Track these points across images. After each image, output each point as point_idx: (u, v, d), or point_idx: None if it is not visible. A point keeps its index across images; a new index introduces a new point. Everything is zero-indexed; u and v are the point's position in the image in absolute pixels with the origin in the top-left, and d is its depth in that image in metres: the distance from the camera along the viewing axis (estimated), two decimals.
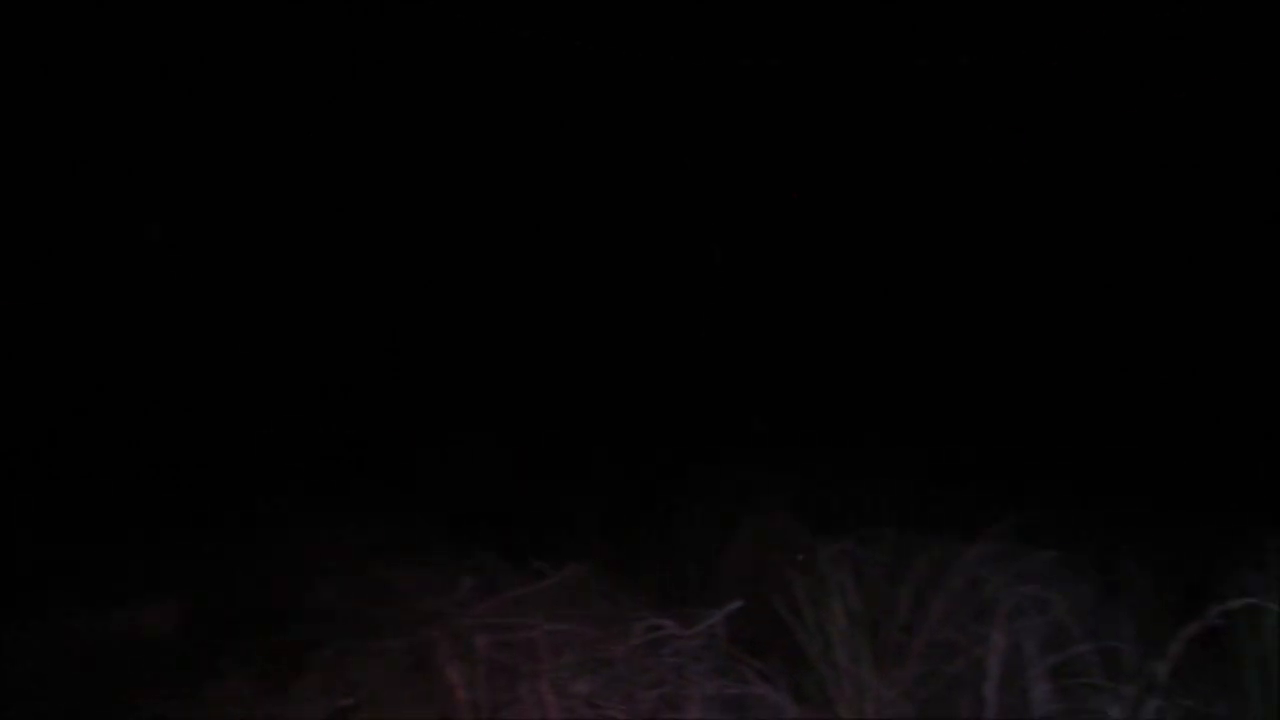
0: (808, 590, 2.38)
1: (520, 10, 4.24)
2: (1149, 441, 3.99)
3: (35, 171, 3.90)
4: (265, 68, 4.21)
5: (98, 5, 3.96)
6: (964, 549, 2.81)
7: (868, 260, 4.56)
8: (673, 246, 4.64)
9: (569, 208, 4.64)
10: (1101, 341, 4.29)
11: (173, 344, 4.22)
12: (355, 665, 2.05)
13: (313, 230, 4.41)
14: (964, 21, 4.15)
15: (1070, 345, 4.31)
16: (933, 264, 4.50)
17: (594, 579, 2.71)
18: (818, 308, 4.50)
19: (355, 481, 3.83)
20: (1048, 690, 2.11)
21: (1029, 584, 2.95)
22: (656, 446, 4.10)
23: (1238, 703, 2.20)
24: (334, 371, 4.45)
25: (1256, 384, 3.96)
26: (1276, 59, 3.82)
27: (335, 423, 4.20)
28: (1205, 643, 2.35)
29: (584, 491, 3.68)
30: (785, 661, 2.46)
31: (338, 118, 4.38)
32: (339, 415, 4.26)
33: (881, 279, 4.52)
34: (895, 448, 3.59)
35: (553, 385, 4.44)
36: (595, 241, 4.64)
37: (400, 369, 4.46)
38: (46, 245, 4.04)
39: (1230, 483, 3.56)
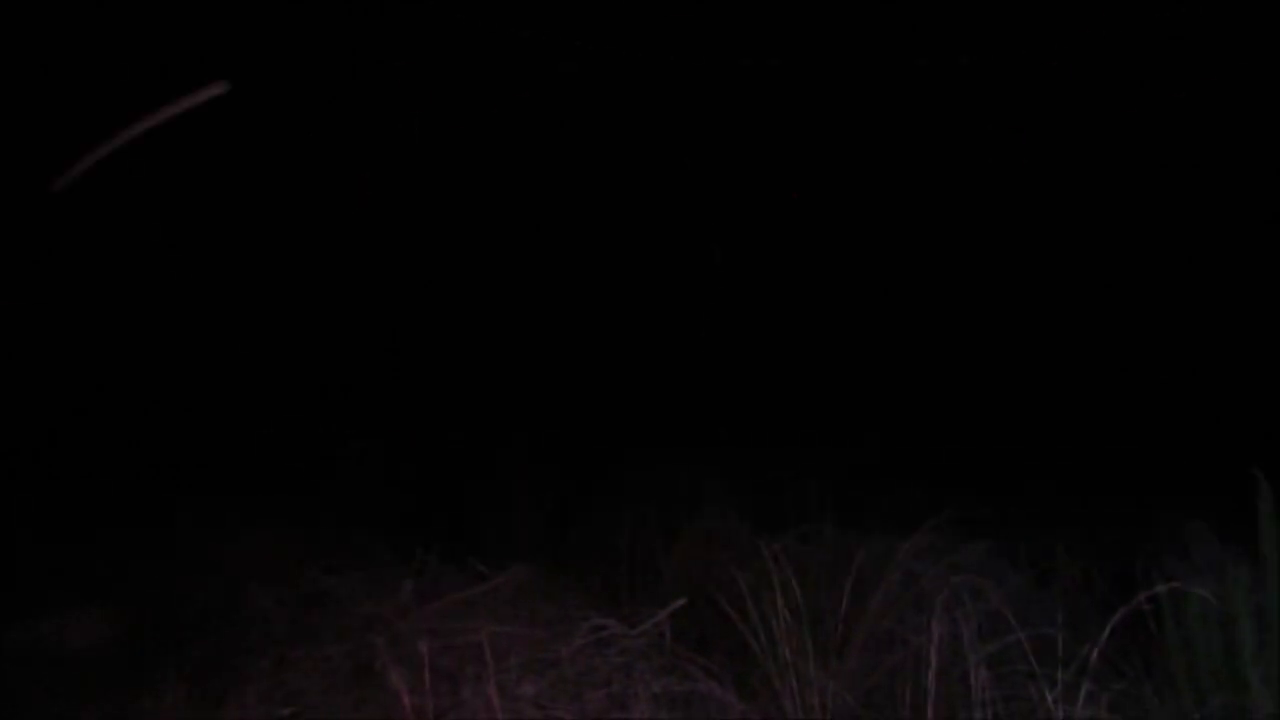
0: (750, 587, 2.39)
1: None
2: (1076, 435, 4.10)
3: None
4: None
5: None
6: (901, 544, 2.86)
7: (807, 262, 4.61)
8: (619, 249, 4.63)
9: (516, 207, 4.60)
10: (1028, 339, 4.40)
11: (105, 348, 4.07)
12: (295, 673, 1.99)
13: (249, 230, 4.29)
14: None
15: (998, 343, 4.41)
16: (869, 266, 4.57)
17: (537, 581, 2.69)
18: (755, 308, 4.54)
19: (293, 487, 3.74)
20: (986, 678, 2.15)
21: (964, 575, 3.03)
22: (597, 447, 4.09)
23: (1164, 684, 2.27)
24: (272, 376, 4.35)
25: (1180, 375, 4.10)
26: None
27: (272, 427, 4.10)
28: (1133, 627, 2.44)
29: (525, 493, 3.64)
30: (730, 658, 2.48)
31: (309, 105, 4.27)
32: (275, 420, 4.15)
33: (817, 282, 4.57)
34: (832, 447, 3.64)
35: (494, 386, 4.40)
36: (539, 243, 4.61)
37: (338, 372, 4.37)
38: None
39: (1154, 473, 3.69)
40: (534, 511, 3.53)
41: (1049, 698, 1.99)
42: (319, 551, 3.07)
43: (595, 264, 4.62)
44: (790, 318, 4.52)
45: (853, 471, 3.66)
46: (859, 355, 4.40)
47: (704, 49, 4.28)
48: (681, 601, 2.53)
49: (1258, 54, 3.91)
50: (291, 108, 4.20)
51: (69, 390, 3.92)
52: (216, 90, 2.52)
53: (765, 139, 4.56)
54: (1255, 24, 3.83)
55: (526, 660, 2.13)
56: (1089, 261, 4.35)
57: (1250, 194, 4.11)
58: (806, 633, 2.27)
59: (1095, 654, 2.00)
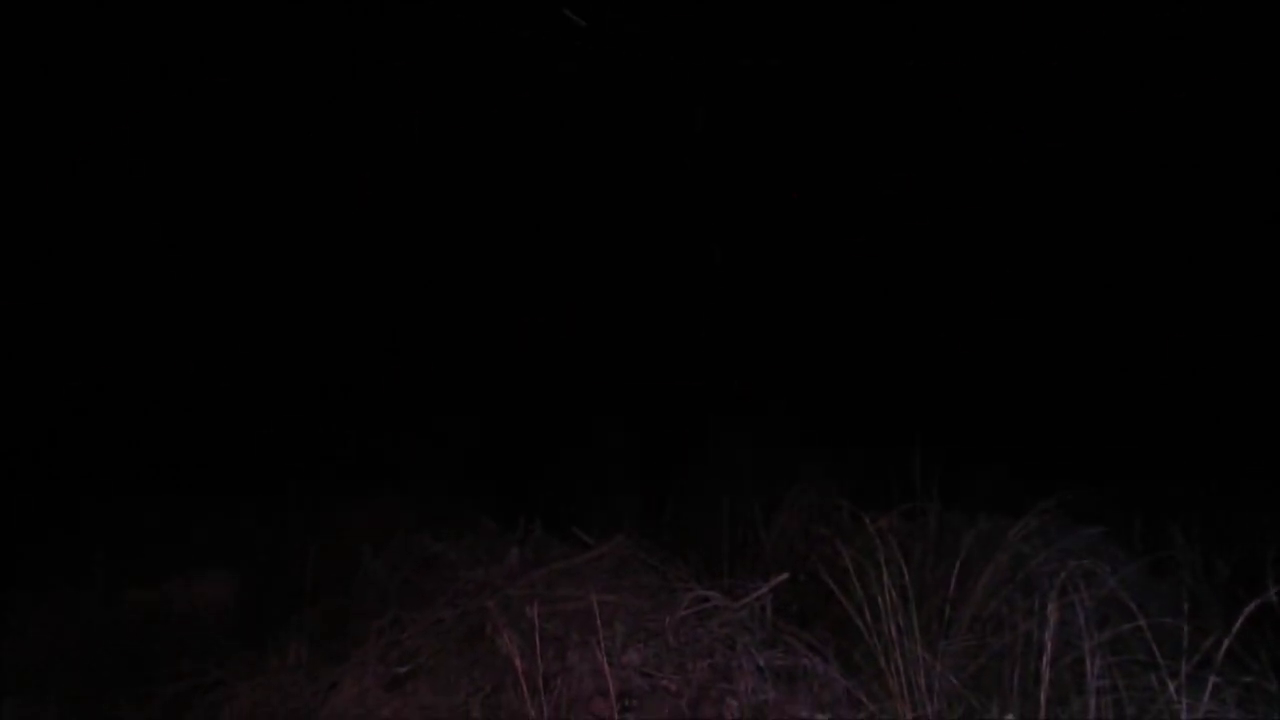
0: (854, 563, 2.37)
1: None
2: (1195, 420, 3.93)
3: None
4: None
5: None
6: (1009, 526, 2.80)
7: (917, 236, 4.51)
8: (687, 221, 4.61)
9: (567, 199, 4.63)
10: (1147, 324, 4.23)
11: (224, 332, 4.27)
12: (409, 634, 2.07)
13: (326, 223, 4.43)
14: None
15: (1115, 326, 4.26)
16: (977, 243, 4.44)
17: (639, 552, 2.72)
18: (863, 285, 4.47)
19: (405, 457, 3.87)
20: (1101, 665, 2.09)
21: (1075, 559, 2.95)
22: (696, 420, 4.10)
23: None
24: (378, 356, 4.49)
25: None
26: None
27: (384, 399, 4.24)
28: (1258, 620, 2.33)
29: (624, 465, 3.69)
30: (833, 634, 2.47)
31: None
32: (387, 392, 4.30)
33: (930, 258, 4.47)
34: (942, 425, 3.56)
35: (596, 361, 4.45)
36: (603, 219, 4.62)
37: (444, 348, 4.48)
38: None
39: (1274, 458, 3.50)
40: (633, 483, 3.57)
41: (1170, 688, 1.92)
42: (427, 520, 3.17)
43: (689, 238, 4.61)
44: (893, 299, 4.44)
45: (957, 453, 3.59)
46: (978, 332, 4.29)
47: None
48: (784, 575, 2.54)
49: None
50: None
51: (203, 371, 4.14)
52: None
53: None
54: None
55: (631, 629, 2.16)
56: (1179, 243, 4.16)
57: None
58: (913, 611, 2.25)
59: (1223, 645, 1.92)
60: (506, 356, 4.55)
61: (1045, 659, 1.97)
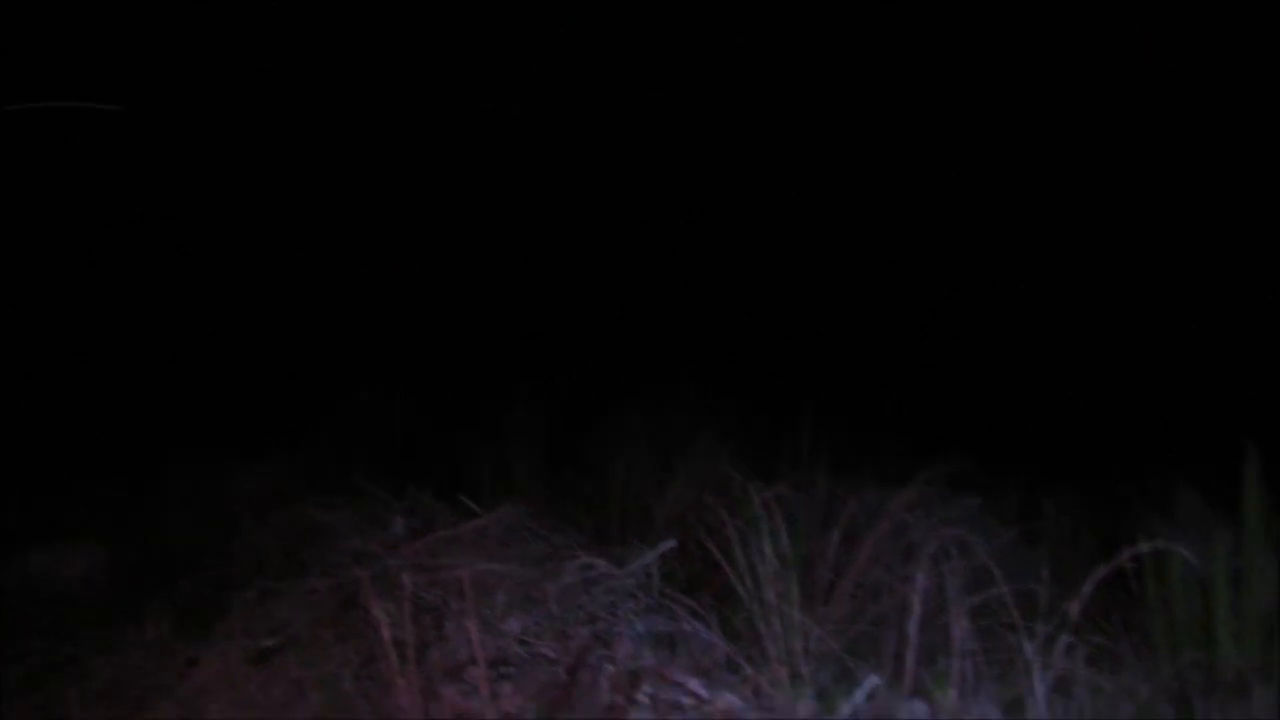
0: (740, 533, 2.41)
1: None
2: (1070, 394, 4.10)
3: None
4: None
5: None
6: (892, 495, 2.89)
7: (806, 210, 4.57)
8: (589, 192, 4.58)
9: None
10: (1027, 298, 4.38)
11: (105, 293, 4.07)
12: (281, 606, 2.02)
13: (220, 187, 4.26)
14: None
15: (997, 301, 4.39)
16: (869, 217, 4.52)
17: (528, 519, 2.71)
18: (752, 253, 4.51)
19: (287, 423, 3.76)
20: (967, 628, 2.18)
21: (953, 529, 3.06)
22: (592, 390, 4.09)
23: (1142, 641, 2.30)
24: (273, 310, 4.34)
25: (1176, 338, 4.09)
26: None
27: (268, 362, 4.11)
28: (1117, 586, 2.46)
29: (519, 433, 3.66)
30: (717, 601, 2.51)
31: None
32: (272, 355, 4.16)
33: (822, 227, 4.54)
34: (829, 396, 3.63)
35: (491, 326, 4.39)
36: (503, 186, 4.56)
37: (333, 311, 4.36)
38: None
39: (1144, 435, 3.69)
40: (528, 451, 3.55)
41: (1028, 649, 2.01)
42: (314, 489, 3.10)
43: (593, 208, 4.58)
44: (791, 265, 4.50)
45: (848, 424, 3.67)
46: (861, 307, 4.39)
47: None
48: (670, 543, 2.56)
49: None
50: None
51: (64, 334, 3.93)
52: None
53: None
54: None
55: (512, 597, 2.16)
56: (1080, 226, 4.32)
57: (1234, 165, 4.09)
58: (792, 578, 2.30)
59: (1076, 609, 2.02)
60: (403, 322, 4.46)
61: (912, 623, 2.04)
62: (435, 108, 4.43)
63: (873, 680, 1.94)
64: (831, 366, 4.11)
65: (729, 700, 1.82)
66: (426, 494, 2.87)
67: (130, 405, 3.78)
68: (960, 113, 4.40)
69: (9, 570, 2.75)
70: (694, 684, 1.81)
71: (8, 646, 2.13)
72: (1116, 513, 2.98)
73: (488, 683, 1.81)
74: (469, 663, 1.82)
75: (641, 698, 1.76)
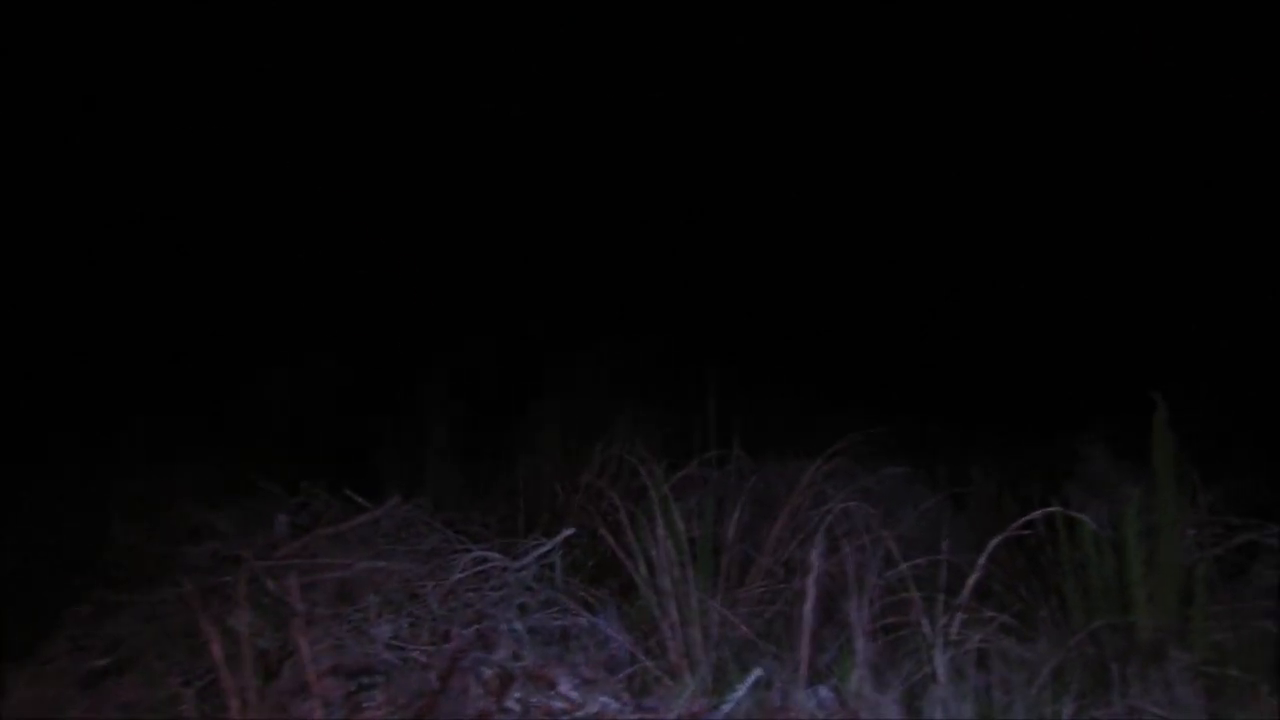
0: (641, 517, 2.29)
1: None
2: (996, 356, 4.04)
3: None
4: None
5: None
6: (808, 467, 2.78)
7: (719, 182, 4.44)
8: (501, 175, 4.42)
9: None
10: (935, 263, 4.31)
11: None
12: (122, 620, 1.86)
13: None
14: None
15: (912, 265, 4.32)
16: (784, 186, 4.41)
17: (425, 512, 2.57)
18: (661, 225, 4.38)
19: (174, 416, 3.55)
20: (876, 607, 2.08)
21: (875, 499, 2.97)
22: (500, 373, 3.93)
23: (1058, 607, 2.21)
24: (170, 285, 4.10)
25: (1092, 299, 4.06)
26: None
27: (154, 353, 3.87)
28: (1034, 550, 2.39)
29: (430, 418, 3.50)
30: (622, 591, 2.39)
31: None
32: (159, 345, 3.93)
33: (731, 200, 4.41)
34: (747, 368, 3.52)
35: (395, 310, 4.20)
36: (411, 172, 4.39)
37: (225, 294, 4.14)
38: None
39: (1060, 392, 3.64)
40: (437, 438, 3.39)
41: (926, 624, 1.91)
42: (203, 485, 2.92)
43: (513, 189, 4.41)
44: (702, 238, 4.37)
45: (767, 398, 3.56)
46: (774, 276, 4.28)
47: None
48: (568, 532, 2.43)
49: None
50: None
51: None
52: None
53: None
54: None
55: (391, 598, 2.01)
56: (989, 192, 4.26)
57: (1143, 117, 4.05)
58: (690, 562, 2.17)
59: (973, 580, 1.93)
60: (310, 301, 4.24)
61: (807, 606, 1.92)
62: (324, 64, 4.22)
63: (757, 673, 1.82)
64: (752, 341, 4.00)
65: (602, 703, 1.70)
66: (320, 488, 2.71)
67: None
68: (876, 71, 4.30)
69: None
70: (565, 687, 1.68)
71: None
72: (1037, 475, 2.90)
73: (349, 694, 1.66)
74: (328, 673, 1.67)
75: (511, 704, 1.63)
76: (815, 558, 1.97)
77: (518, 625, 1.89)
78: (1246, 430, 3.14)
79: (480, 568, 2.31)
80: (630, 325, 3.94)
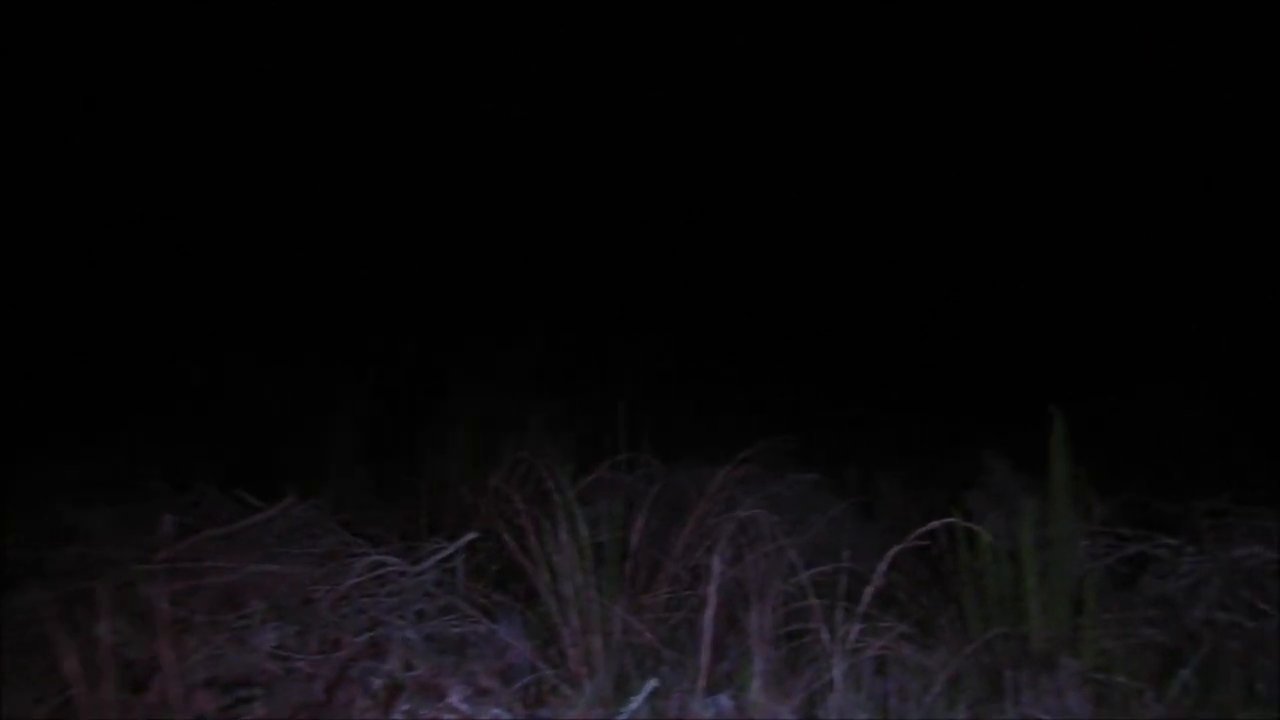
0: (545, 521, 2.24)
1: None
2: (907, 368, 4.10)
3: None
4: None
5: None
6: (718, 473, 2.77)
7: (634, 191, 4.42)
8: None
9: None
10: (852, 271, 4.36)
11: None
12: None
13: None
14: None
15: (825, 274, 4.36)
16: (702, 198, 4.41)
17: (323, 513, 2.47)
18: (577, 227, 4.34)
19: (64, 409, 3.37)
20: (775, 614, 2.07)
21: (783, 506, 2.97)
22: (411, 371, 3.83)
23: (957, 616, 2.24)
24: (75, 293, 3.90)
25: (1002, 312, 4.15)
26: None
27: (47, 344, 3.67)
28: (936, 559, 2.41)
29: (329, 419, 3.39)
30: (527, 596, 2.34)
31: None
32: (52, 336, 3.72)
33: (650, 205, 4.40)
34: (660, 372, 3.51)
35: (306, 306, 4.06)
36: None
37: (125, 284, 3.95)
38: None
39: (965, 402, 3.71)
40: (346, 437, 3.28)
41: (824, 633, 1.91)
42: (91, 483, 2.76)
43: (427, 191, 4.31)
44: (607, 241, 4.34)
45: (683, 399, 3.55)
46: (685, 279, 4.27)
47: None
48: (471, 535, 2.37)
49: None
50: None
51: None
52: None
53: None
54: None
55: (279, 604, 1.92)
56: (892, 206, 4.33)
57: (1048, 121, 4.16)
58: (591, 565, 2.13)
59: (873, 588, 1.93)
60: (225, 294, 4.07)
61: (707, 615, 1.90)
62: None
63: (653, 683, 1.80)
64: (668, 345, 3.98)
65: (495, 714, 1.65)
66: (213, 488, 2.58)
67: None
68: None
69: None
70: (456, 698, 1.62)
71: None
72: (942, 484, 2.94)
73: (225, 707, 1.58)
74: (203, 685, 1.58)
75: (397, 716, 1.56)
76: (717, 565, 1.94)
77: (412, 633, 1.82)
78: (1142, 446, 3.25)
79: (378, 572, 2.24)
80: (546, 325, 3.88)
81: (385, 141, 4.28)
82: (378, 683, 1.68)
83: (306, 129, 4.24)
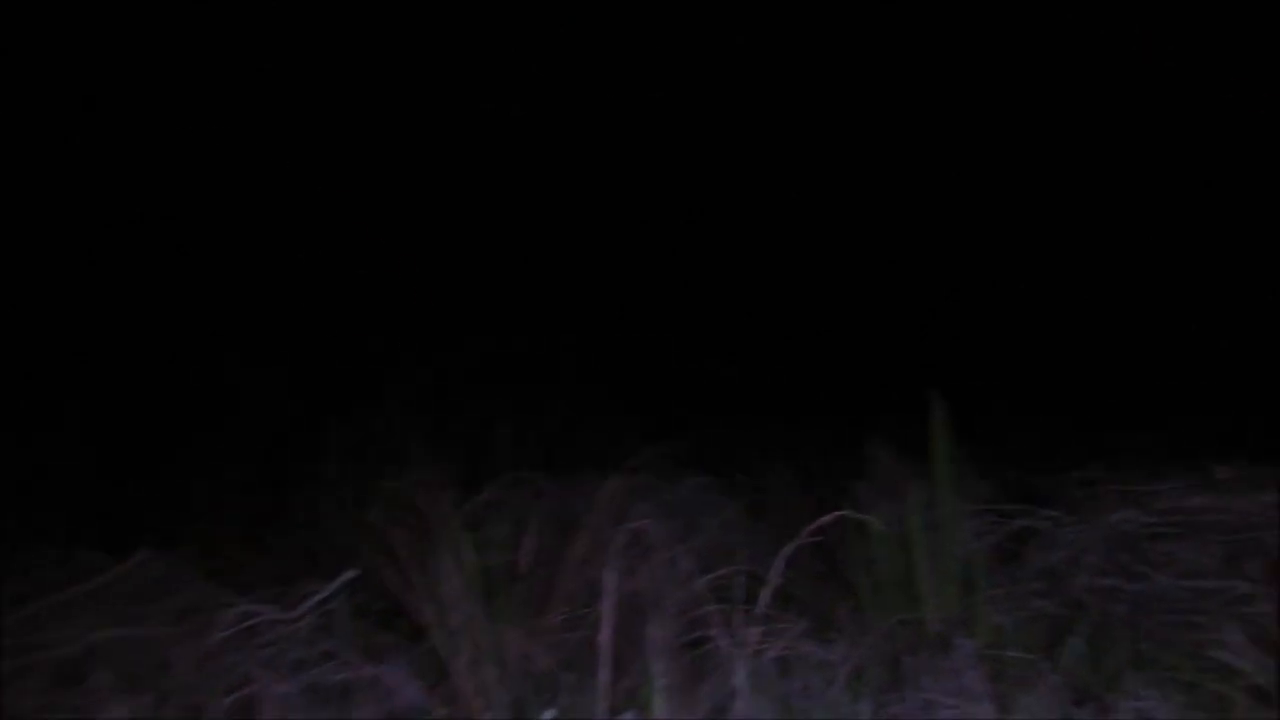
0: (429, 549, 2.12)
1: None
2: (785, 362, 4.13)
3: None
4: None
5: None
6: (607, 483, 2.70)
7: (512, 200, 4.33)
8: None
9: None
10: (727, 272, 4.38)
11: None
12: None
13: None
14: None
15: (700, 276, 4.37)
16: (573, 196, 4.35)
17: (181, 565, 2.28)
18: (455, 242, 4.21)
19: None
20: (677, 623, 2.01)
21: (677, 512, 2.92)
22: (286, 399, 3.61)
23: (855, 605, 2.23)
24: None
25: (872, 291, 4.23)
26: None
27: None
28: (831, 553, 2.41)
29: (192, 456, 3.16)
30: (415, 634, 2.21)
31: None
32: None
33: (525, 217, 4.31)
34: (542, 388, 3.42)
35: (169, 330, 3.77)
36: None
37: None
38: None
39: (848, 393, 3.76)
40: (205, 479, 3.07)
41: (726, 638, 1.86)
42: None
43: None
44: (503, 253, 4.24)
45: (570, 412, 3.47)
46: (564, 291, 4.20)
47: None
48: (350, 574, 2.23)
49: None
50: None
51: None
52: None
53: None
54: None
55: (131, 670, 1.75)
56: (765, 202, 4.39)
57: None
58: (477, 593, 2.03)
59: (771, 589, 1.90)
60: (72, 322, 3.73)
61: (603, 634, 1.83)
62: None
63: (550, 714, 1.71)
64: (551, 358, 3.90)
65: None
66: (50, 546, 2.35)
67: None
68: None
69: None
70: None
71: None
72: (830, 477, 2.95)
73: None
74: None
75: None
76: (609, 581, 1.87)
77: (289, 686, 1.68)
78: (1016, 423, 3.34)
79: (248, 623, 2.08)
80: (429, 344, 3.73)
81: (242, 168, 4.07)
82: None
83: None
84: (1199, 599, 1.89)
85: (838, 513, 2.01)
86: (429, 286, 4.03)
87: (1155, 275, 4.10)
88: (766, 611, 2.04)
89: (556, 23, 4.20)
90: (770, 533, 3.05)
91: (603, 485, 2.76)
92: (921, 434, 2.34)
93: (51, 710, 1.58)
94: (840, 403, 3.69)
